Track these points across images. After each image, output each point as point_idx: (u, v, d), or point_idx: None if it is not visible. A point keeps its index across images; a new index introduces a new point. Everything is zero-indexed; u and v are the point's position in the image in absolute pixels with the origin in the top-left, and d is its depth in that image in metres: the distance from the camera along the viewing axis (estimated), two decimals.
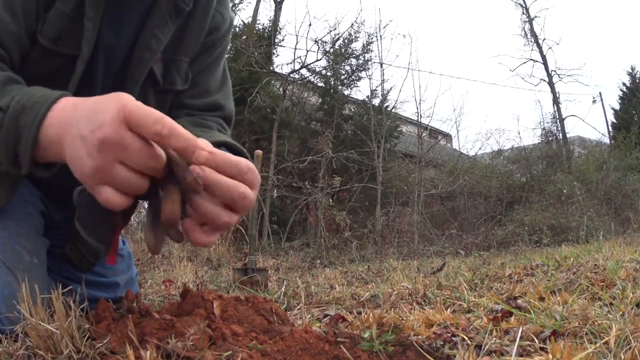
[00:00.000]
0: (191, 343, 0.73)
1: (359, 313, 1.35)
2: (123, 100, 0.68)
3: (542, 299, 1.45)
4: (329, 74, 10.12)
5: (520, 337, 0.90)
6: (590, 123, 24.65)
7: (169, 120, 0.68)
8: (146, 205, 0.79)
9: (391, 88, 12.54)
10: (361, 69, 10.52)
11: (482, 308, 1.38)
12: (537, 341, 0.90)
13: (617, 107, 19.16)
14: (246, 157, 1.08)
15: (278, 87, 9.30)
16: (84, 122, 0.70)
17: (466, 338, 0.94)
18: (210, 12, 1.20)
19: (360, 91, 21.00)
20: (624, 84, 19.59)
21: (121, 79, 1.12)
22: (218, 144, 1.07)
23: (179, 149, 0.69)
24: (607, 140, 16.49)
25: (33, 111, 0.78)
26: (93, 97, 0.75)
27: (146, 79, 1.13)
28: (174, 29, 1.13)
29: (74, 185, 0.83)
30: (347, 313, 1.40)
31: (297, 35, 9.43)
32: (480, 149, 16.83)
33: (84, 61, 1.03)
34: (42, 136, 0.77)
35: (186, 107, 1.24)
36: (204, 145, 0.74)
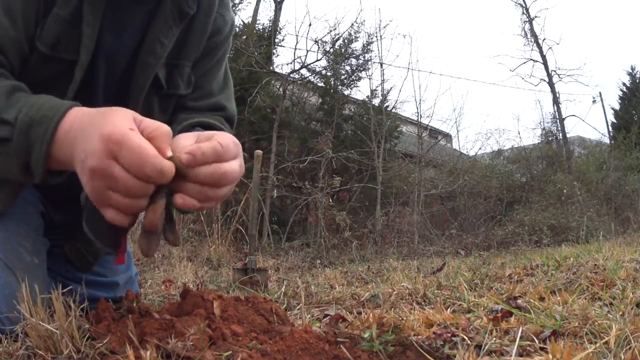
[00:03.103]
0: (191, 343, 0.73)
1: (359, 313, 1.35)
2: (112, 127, 0.70)
3: (542, 299, 1.45)
4: (329, 74, 10.12)
5: (520, 337, 0.90)
6: (590, 123, 24.62)
7: (159, 162, 0.70)
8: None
9: (391, 88, 12.51)
10: (361, 69, 10.52)
11: (482, 308, 1.38)
12: (537, 341, 0.90)
13: (617, 107, 19.18)
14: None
15: (278, 87, 9.29)
16: (82, 145, 0.73)
17: (466, 338, 0.94)
18: (213, 15, 1.19)
19: (360, 91, 20.92)
20: (624, 84, 19.62)
21: (125, 85, 1.11)
22: (195, 125, 1.10)
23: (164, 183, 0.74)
24: (607, 140, 16.49)
25: (42, 126, 0.79)
26: (95, 110, 0.77)
27: (151, 85, 1.12)
28: (178, 33, 1.12)
29: (72, 187, 0.83)
30: (347, 313, 1.40)
31: (297, 35, 9.42)
32: (480, 149, 16.81)
33: (82, 67, 1.02)
34: (54, 150, 0.79)
35: (188, 110, 1.23)
36: (183, 147, 0.78)
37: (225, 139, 0.81)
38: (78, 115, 0.79)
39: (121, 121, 0.71)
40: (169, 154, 0.75)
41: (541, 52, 15.49)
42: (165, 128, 0.75)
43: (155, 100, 1.16)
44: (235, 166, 0.81)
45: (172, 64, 1.16)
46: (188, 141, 0.83)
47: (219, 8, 1.21)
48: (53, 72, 1.02)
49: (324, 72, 10.10)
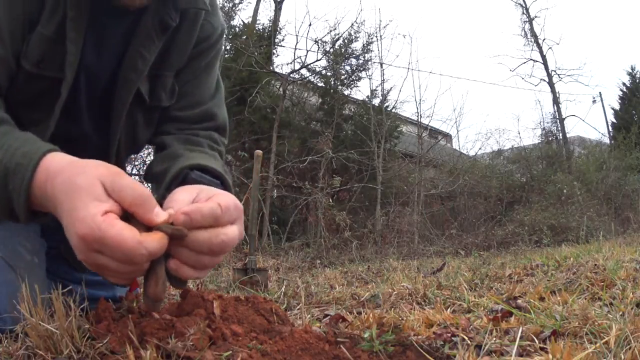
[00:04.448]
0: (191, 343, 0.73)
1: (359, 313, 1.35)
2: (85, 226, 0.67)
3: (542, 299, 1.45)
4: (329, 74, 10.13)
5: (520, 337, 0.90)
6: (590, 123, 24.66)
7: (145, 249, 0.68)
8: None
9: (391, 88, 12.50)
10: (361, 69, 10.53)
11: (482, 308, 1.38)
12: (537, 341, 0.90)
13: (617, 107, 19.18)
14: (224, 181, 1.05)
15: (278, 87, 9.30)
16: (64, 220, 0.72)
17: (466, 338, 0.94)
18: (198, 25, 1.17)
19: (360, 91, 20.91)
20: (624, 84, 19.62)
21: (108, 101, 1.09)
22: (190, 168, 1.03)
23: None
24: (607, 140, 16.50)
25: (18, 175, 0.77)
26: (68, 170, 0.74)
27: (133, 99, 1.10)
28: (160, 45, 1.09)
29: None
30: (347, 313, 1.40)
31: (297, 35, 9.45)
32: (480, 149, 16.80)
33: (68, 85, 1.00)
34: (34, 197, 0.78)
35: (177, 120, 1.20)
36: (181, 203, 0.76)
37: (227, 201, 0.76)
38: (51, 170, 0.76)
39: (91, 209, 0.68)
40: (158, 219, 0.71)
41: (541, 52, 15.51)
42: (145, 193, 0.71)
43: (139, 114, 1.14)
44: (234, 232, 0.77)
45: (154, 76, 1.13)
46: (187, 196, 0.79)
47: (206, 15, 1.18)
48: (38, 89, 1.00)
49: (324, 72, 10.11)
